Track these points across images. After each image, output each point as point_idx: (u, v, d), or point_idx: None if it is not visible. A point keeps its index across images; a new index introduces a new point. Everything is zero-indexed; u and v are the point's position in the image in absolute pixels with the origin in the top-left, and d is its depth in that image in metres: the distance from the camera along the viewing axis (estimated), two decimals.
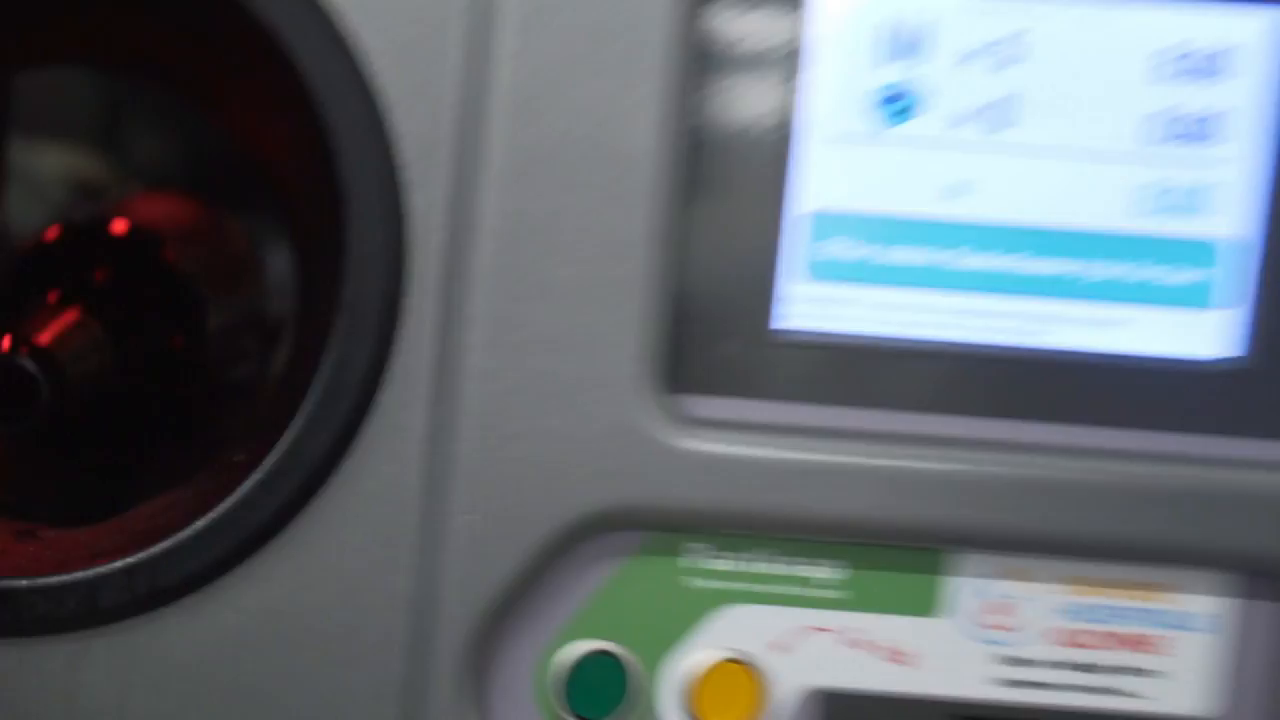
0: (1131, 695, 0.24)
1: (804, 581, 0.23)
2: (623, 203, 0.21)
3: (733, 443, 0.21)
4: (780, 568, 0.23)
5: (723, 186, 0.22)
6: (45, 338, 0.21)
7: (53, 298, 0.25)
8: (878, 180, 0.22)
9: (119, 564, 0.20)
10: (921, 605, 0.23)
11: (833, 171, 0.22)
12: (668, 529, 0.23)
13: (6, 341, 0.21)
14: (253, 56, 0.21)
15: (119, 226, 0.28)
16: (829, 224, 0.22)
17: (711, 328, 0.22)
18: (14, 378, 0.20)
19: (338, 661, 0.22)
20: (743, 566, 0.23)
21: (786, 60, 0.21)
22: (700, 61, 0.21)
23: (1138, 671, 0.24)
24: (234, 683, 0.22)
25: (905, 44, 0.21)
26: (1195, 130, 0.22)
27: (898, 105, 0.22)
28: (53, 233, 0.28)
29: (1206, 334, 0.23)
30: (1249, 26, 0.22)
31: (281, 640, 0.21)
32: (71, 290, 0.25)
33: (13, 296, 0.26)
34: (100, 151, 0.34)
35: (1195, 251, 0.22)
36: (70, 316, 0.22)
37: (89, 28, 0.25)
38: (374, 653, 0.22)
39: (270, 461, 0.20)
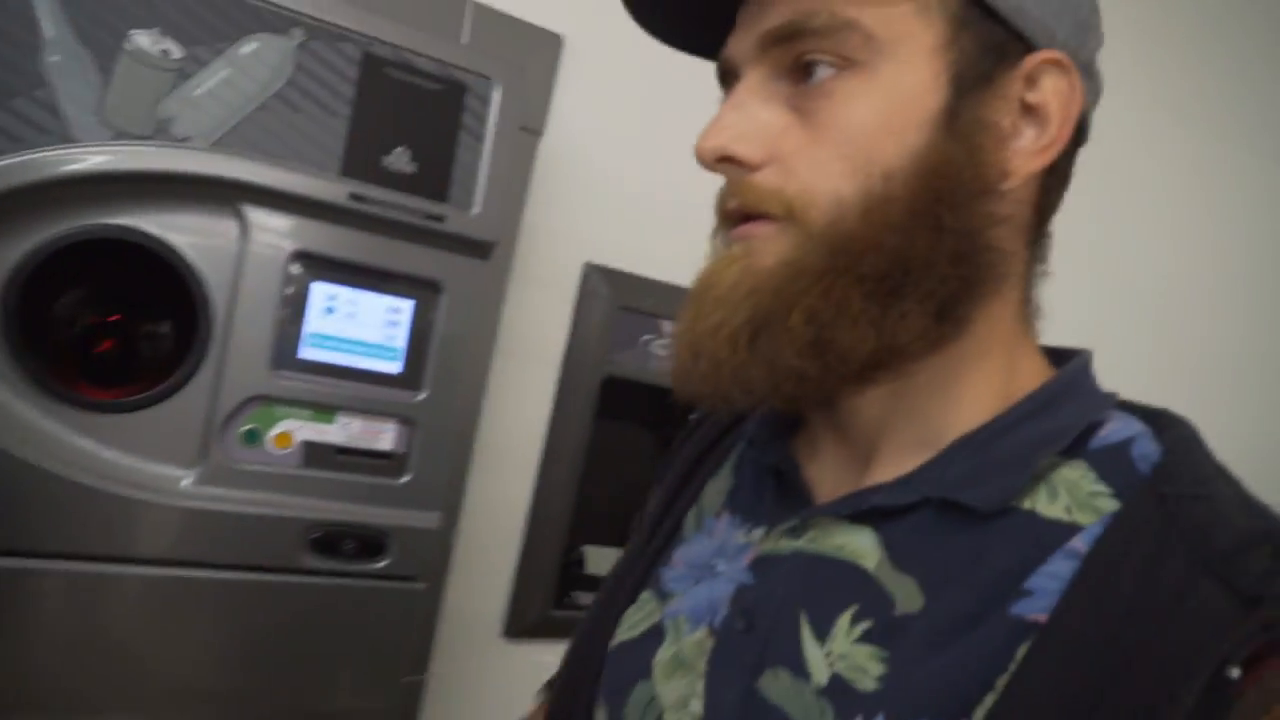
0: None
1: (309, 417, 1.01)
2: None
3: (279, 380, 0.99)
4: (295, 409, 1.00)
5: None
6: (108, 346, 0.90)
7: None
8: None
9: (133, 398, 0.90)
10: (329, 420, 1.02)
11: None
12: (271, 403, 0.98)
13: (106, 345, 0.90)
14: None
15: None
16: None
17: None
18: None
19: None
20: (288, 409, 1.00)
21: None
22: None
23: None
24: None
25: None
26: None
27: None
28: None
29: (395, 367, 1.06)
30: (406, 304, 1.06)
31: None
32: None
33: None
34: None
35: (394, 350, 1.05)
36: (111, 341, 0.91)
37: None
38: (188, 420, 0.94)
39: (180, 373, 0.92)
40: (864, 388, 0.44)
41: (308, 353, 1.00)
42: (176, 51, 0.88)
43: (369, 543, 1.04)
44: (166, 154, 0.88)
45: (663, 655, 0.50)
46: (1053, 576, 0.38)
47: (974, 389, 0.45)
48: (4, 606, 0.85)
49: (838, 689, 0.41)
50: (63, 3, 0.84)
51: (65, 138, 0.84)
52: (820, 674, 0.42)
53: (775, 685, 0.43)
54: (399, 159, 1.00)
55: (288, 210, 0.96)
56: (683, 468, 0.60)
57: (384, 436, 1.05)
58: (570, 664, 0.58)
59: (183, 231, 0.92)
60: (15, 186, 0.82)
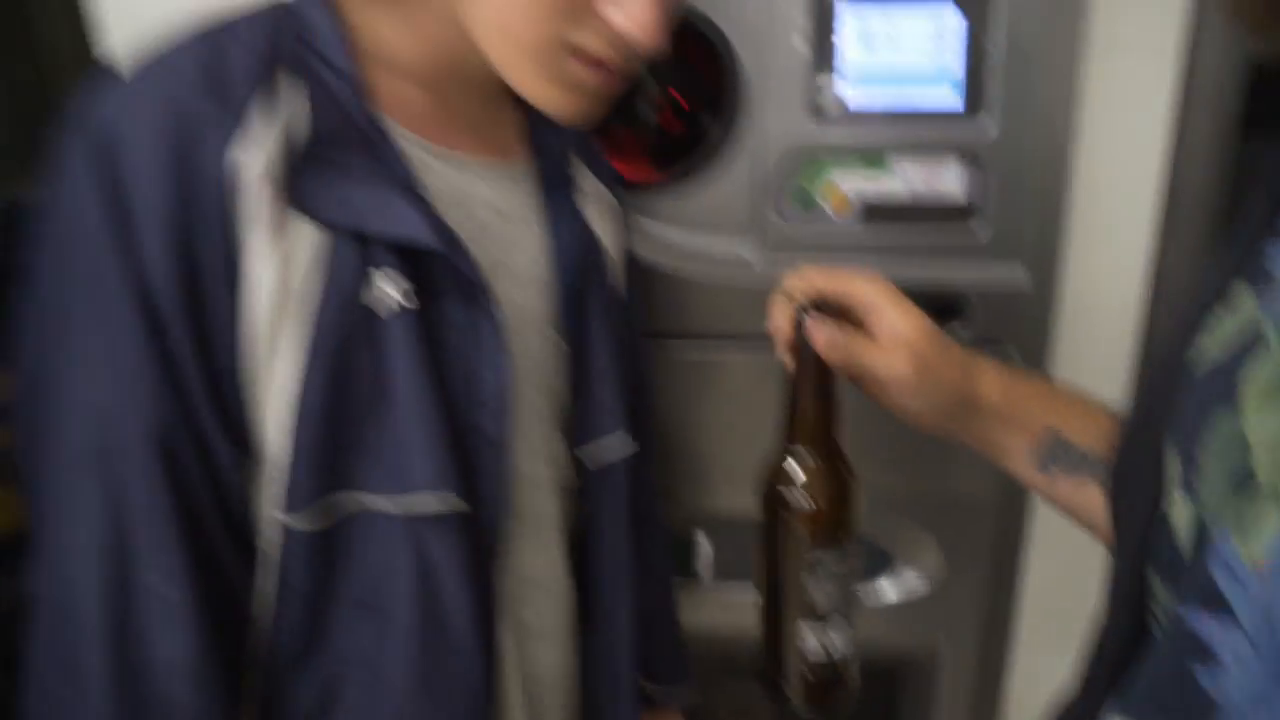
0: None
1: (859, 166, 0.91)
2: None
3: None
4: (842, 160, 0.91)
5: None
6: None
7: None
8: None
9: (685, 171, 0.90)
10: (880, 166, 0.91)
11: None
12: (816, 157, 0.91)
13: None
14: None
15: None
16: None
17: None
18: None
19: None
20: (833, 161, 0.91)
21: None
22: None
23: None
24: None
25: None
26: None
27: None
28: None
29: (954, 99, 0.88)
30: (954, 16, 0.86)
31: None
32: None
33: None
34: None
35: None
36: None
37: None
38: None
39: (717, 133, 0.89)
40: None
41: (847, 93, 0.89)
42: None
43: (946, 306, 0.92)
44: None
45: (1259, 373, 0.35)
46: None
47: None
48: None
49: None
50: None
51: None
52: None
53: None
54: None
55: None
56: None
57: (947, 179, 0.91)
58: (1138, 394, 0.45)
59: None
60: None
